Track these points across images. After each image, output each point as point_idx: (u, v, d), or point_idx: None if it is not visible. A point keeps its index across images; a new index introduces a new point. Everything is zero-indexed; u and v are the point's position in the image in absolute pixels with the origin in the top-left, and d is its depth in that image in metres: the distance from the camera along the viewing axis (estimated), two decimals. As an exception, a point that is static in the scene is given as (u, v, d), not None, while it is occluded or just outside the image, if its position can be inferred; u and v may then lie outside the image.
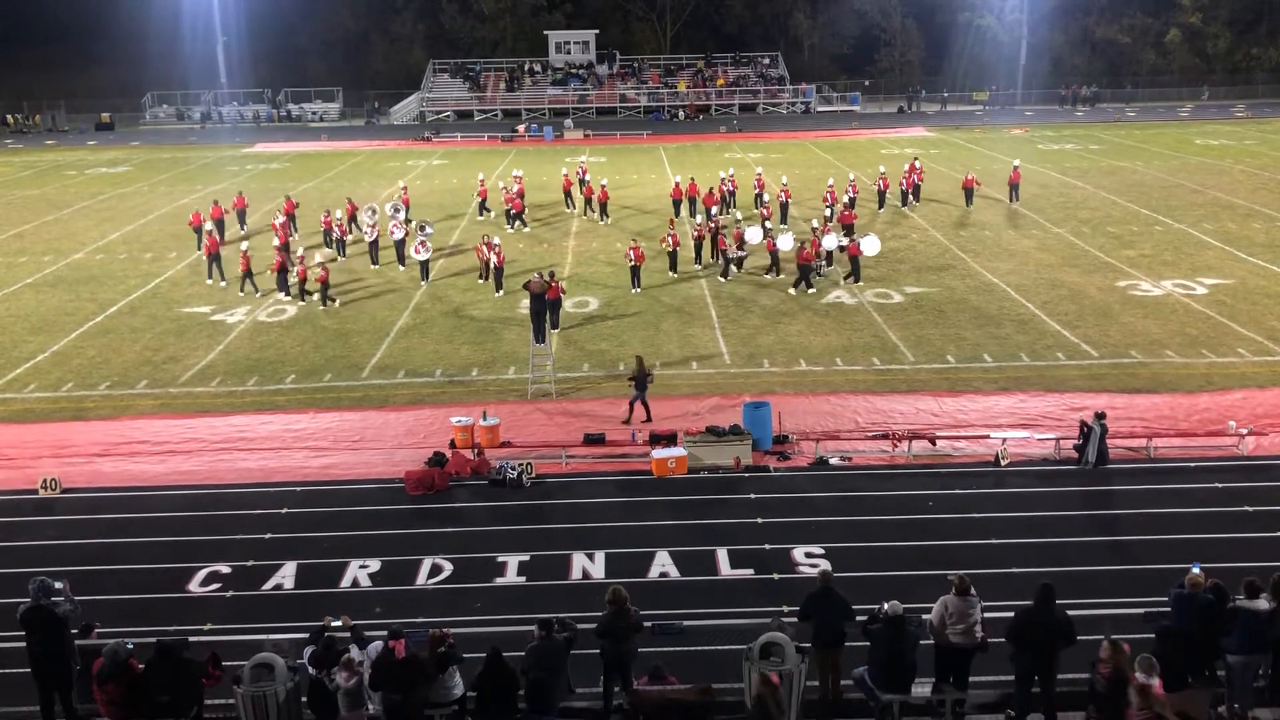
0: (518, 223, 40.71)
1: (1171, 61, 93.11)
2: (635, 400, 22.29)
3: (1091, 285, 31.53)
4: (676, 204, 41.81)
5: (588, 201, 43.99)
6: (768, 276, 32.66)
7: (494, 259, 31.76)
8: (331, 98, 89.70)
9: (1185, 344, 26.25)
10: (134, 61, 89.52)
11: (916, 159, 47.90)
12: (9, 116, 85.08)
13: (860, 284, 31.72)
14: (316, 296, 31.14)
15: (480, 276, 33.07)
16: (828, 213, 37.72)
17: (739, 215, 40.78)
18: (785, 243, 32.79)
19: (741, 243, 33.58)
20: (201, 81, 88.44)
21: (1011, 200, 44.06)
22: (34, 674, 12.49)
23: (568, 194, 44.86)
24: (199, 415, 23.23)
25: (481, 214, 42.68)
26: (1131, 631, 12.43)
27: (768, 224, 35.42)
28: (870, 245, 32.99)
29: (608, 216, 42.13)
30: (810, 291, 31.13)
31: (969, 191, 43.70)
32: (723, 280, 32.82)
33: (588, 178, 46.28)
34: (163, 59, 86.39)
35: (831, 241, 33.23)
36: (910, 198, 44.12)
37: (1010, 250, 35.73)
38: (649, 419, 22.11)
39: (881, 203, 43.22)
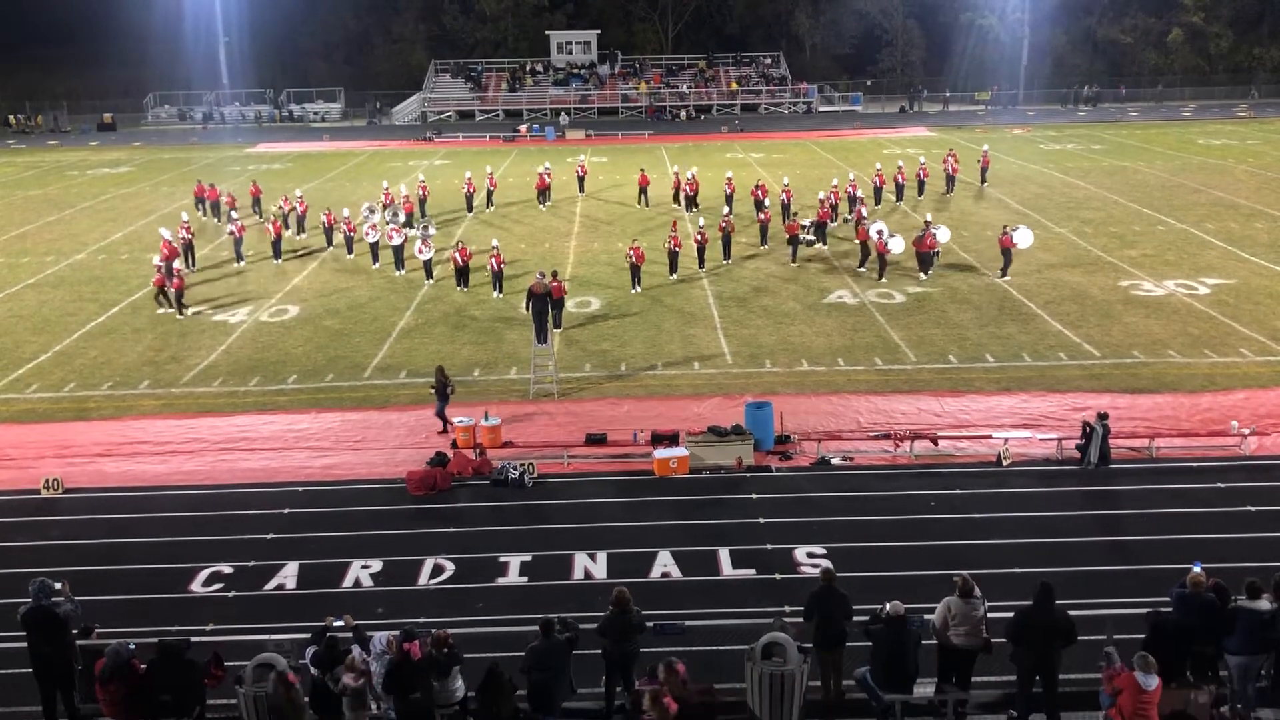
0: (408, 228, 40.18)
1: (1174, 61, 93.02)
2: (440, 411, 22.05)
3: (1094, 285, 31.52)
4: (689, 200, 42.88)
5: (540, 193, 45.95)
6: (881, 279, 32.49)
7: (493, 262, 31.71)
8: (333, 98, 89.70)
9: (1188, 344, 26.23)
10: (136, 62, 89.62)
11: (952, 151, 50.01)
12: (11, 117, 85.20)
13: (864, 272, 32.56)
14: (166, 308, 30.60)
15: (458, 284, 32.52)
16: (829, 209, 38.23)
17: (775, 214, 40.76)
18: (897, 245, 32.80)
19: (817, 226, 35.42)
20: (204, 82, 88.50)
21: (981, 182, 47.73)
22: (35, 674, 12.51)
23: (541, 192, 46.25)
24: (201, 415, 23.25)
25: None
26: (1133, 631, 12.43)
27: (881, 224, 34.68)
28: (943, 234, 33.69)
29: (548, 200, 45.73)
30: (923, 277, 32.37)
31: (950, 178, 46.49)
32: (792, 265, 34.40)
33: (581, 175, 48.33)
34: (165, 59, 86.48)
35: (945, 234, 33.86)
36: (948, 188, 46.74)
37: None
38: (444, 430, 21.94)
39: (878, 199, 43.41)
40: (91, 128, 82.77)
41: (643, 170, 46.63)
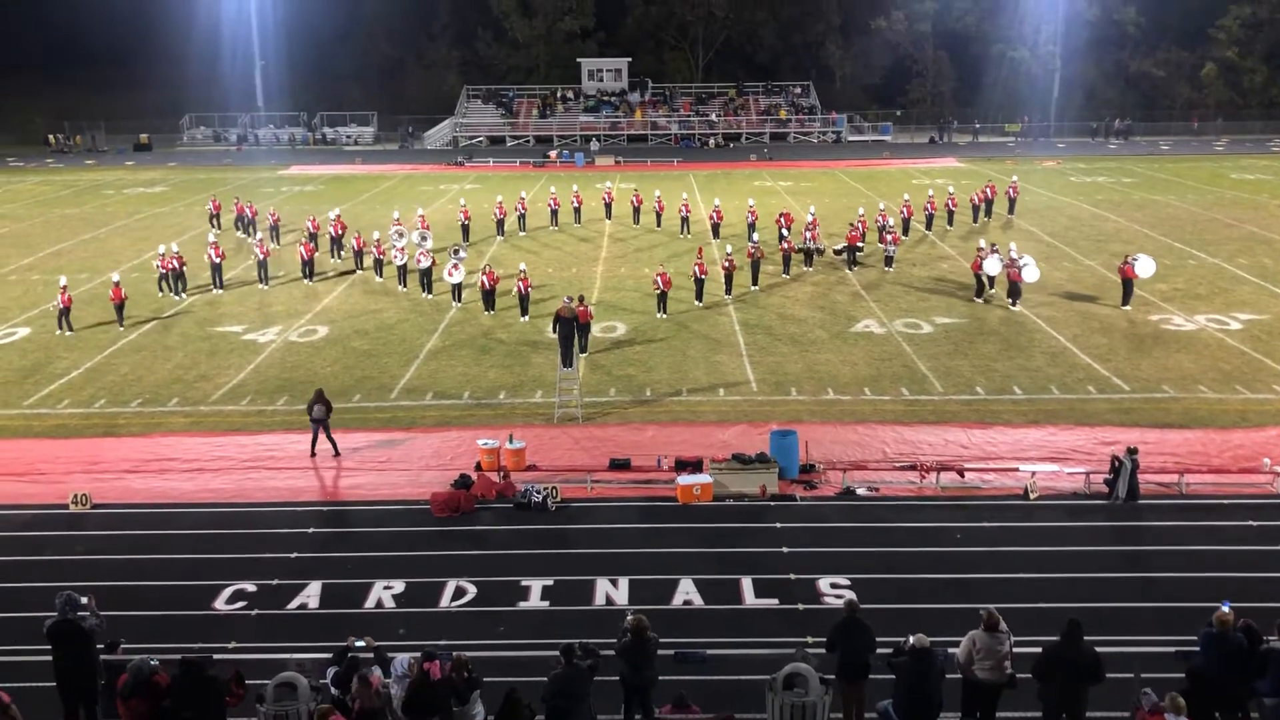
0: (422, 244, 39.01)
1: (1207, 95, 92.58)
2: (320, 433, 21.97)
3: (1123, 318, 31.29)
4: (713, 228, 43.50)
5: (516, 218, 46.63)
6: (1014, 306, 32.41)
7: (520, 286, 31.89)
8: (366, 122, 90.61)
9: (1219, 379, 25.96)
10: (173, 84, 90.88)
11: (992, 181, 50.78)
12: (50, 136, 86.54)
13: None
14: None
15: (486, 307, 32.69)
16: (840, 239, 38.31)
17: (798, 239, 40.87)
18: (1031, 274, 32.77)
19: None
20: (239, 104, 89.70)
21: (1009, 211, 48.13)
22: (59, 688, 12.58)
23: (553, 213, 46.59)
24: (228, 434, 23.42)
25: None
26: (1162, 670, 12.26)
27: (1010, 252, 34.24)
28: (1030, 273, 33.10)
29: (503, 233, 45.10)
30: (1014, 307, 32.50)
31: (983, 205, 47.10)
32: (850, 270, 37.01)
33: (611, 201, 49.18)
34: (202, 81, 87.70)
35: (995, 266, 33.43)
36: (984, 214, 47.36)
37: (1041, 282, 35.39)
38: (313, 453, 21.96)
39: (906, 229, 43.39)
40: (128, 148, 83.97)
41: (609, 188, 49.70)
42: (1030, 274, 32.91)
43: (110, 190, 60.99)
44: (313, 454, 22.08)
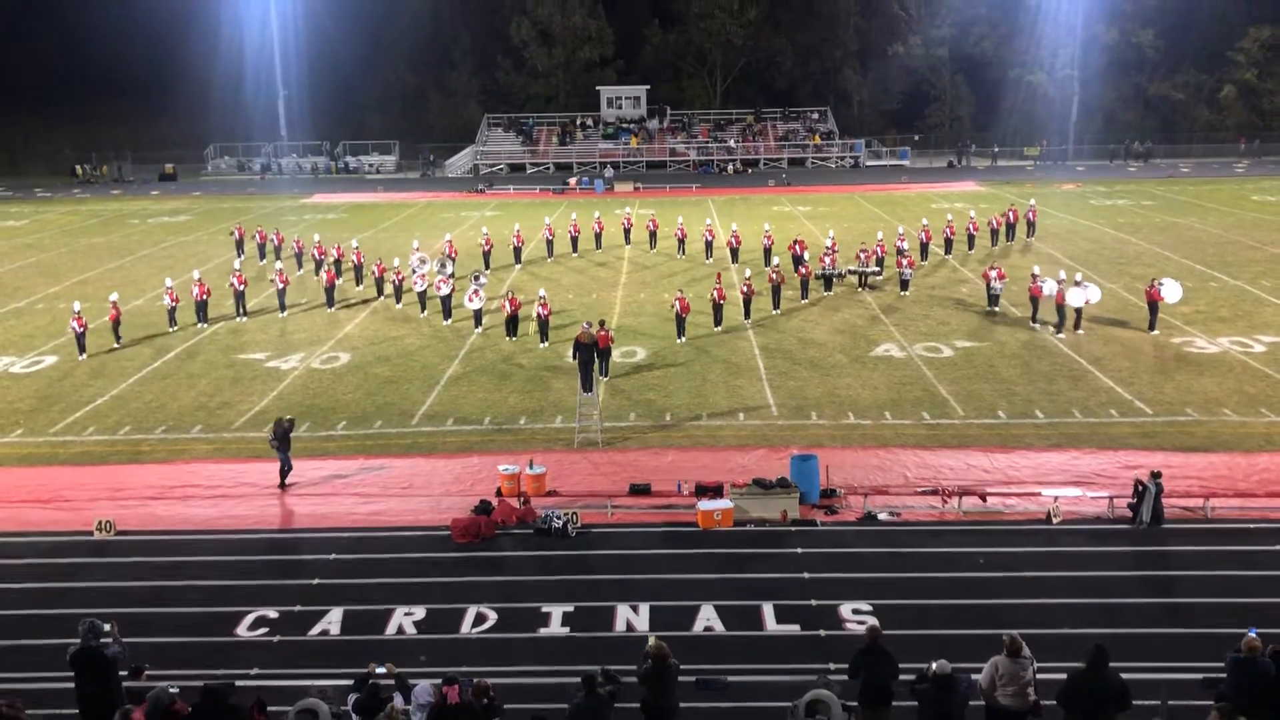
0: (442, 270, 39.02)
1: (1226, 118, 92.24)
2: (283, 460, 21.97)
3: (1146, 341, 31.11)
4: (733, 252, 43.74)
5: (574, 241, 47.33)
6: (1078, 330, 32.00)
7: (539, 310, 32.02)
8: (388, 150, 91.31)
9: (1243, 402, 25.76)
10: (198, 114, 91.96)
11: (1014, 204, 50.53)
12: (77, 167, 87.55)
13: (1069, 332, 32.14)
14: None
15: (508, 333, 32.88)
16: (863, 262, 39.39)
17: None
18: (1093, 294, 32.61)
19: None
20: (262, 134, 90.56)
21: (1028, 234, 48.17)
22: (81, 715, 12.65)
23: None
24: (251, 460, 23.54)
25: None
26: (1188, 697, 12.14)
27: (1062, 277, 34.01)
28: (1094, 294, 32.87)
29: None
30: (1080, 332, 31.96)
31: (1003, 229, 47.14)
32: (859, 290, 38.00)
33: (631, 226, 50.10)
34: (226, 112, 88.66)
35: (1079, 297, 32.51)
36: (1005, 237, 47.48)
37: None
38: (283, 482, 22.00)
39: (924, 254, 43.37)
40: (153, 178, 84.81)
41: (628, 214, 51.35)
42: (1093, 294, 32.72)
43: (135, 220, 61.66)
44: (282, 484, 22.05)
